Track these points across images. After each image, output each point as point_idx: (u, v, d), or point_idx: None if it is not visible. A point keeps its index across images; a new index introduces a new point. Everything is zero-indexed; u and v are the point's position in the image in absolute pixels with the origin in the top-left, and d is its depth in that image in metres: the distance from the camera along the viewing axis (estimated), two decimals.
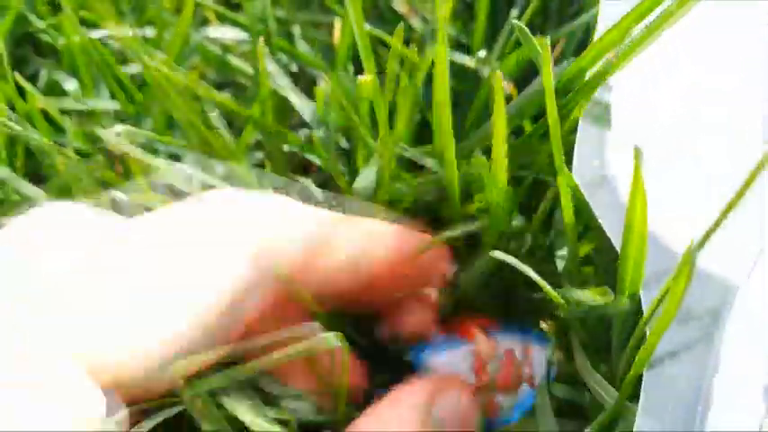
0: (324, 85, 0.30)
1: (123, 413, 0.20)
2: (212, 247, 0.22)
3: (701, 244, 0.18)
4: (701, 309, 0.20)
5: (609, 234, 0.22)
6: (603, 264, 0.25)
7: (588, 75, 0.24)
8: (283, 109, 0.35)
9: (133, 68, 0.39)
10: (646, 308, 0.21)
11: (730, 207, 0.17)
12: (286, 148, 0.32)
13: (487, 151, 0.28)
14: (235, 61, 0.36)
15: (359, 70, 0.29)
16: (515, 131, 0.30)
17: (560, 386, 0.25)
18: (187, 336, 0.20)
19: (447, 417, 0.24)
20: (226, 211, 0.23)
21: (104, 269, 0.20)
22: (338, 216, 0.25)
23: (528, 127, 0.29)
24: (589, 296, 0.20)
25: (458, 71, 0.33)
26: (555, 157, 0.22)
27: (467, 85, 0.34)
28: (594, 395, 0.21)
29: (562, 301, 0.22)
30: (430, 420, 0.23)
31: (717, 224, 0.18)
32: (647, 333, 0.19)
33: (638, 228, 0.19)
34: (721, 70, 0.24)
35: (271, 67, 0.31)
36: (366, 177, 0.28)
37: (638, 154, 0.18)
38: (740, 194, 0.17)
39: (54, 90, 0.37)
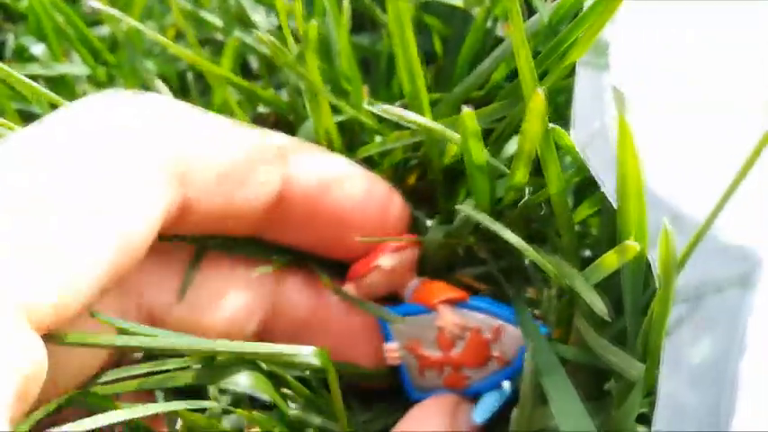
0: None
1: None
2: (122, 161, 0.19)
3: (719, 208, 0.15)
4: (725, 280, 0.17)
5: (608, 196, 0.19)
6: (607, 229, 0.23)
7: (585, 7, 0.21)
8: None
9: (104, 30, 0.36)
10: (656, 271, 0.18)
11: (746, 169, 0.15)
12: (261, 108, 0.29)
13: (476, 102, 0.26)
14: (208, 17, 0.33)
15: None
16: (511, 75, 0.27)
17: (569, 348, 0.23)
18: (115, 264, 0.19)
19: None
20: (133, 116, 0.21)
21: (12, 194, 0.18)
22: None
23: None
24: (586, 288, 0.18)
25: (445, 13, 0.30)
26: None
27: (454, 29, 0.31)
28: (610, 365, 0.19)
29: (555, 271, 0.20)
30: None
31: (734, 185, 0.15)
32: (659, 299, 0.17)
33: (632, 177, 0.17)
34: (729, 22, 0.21)
35: None
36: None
37: (619, 96, 0.15)
38: (756, 154, 0.14)
39: (22, 56, 0.35)
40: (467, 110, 0.19)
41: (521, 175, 0.21)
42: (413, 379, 0.25)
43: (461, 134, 0.20)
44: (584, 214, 0.23)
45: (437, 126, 0.23)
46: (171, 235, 0.23)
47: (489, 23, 0.29)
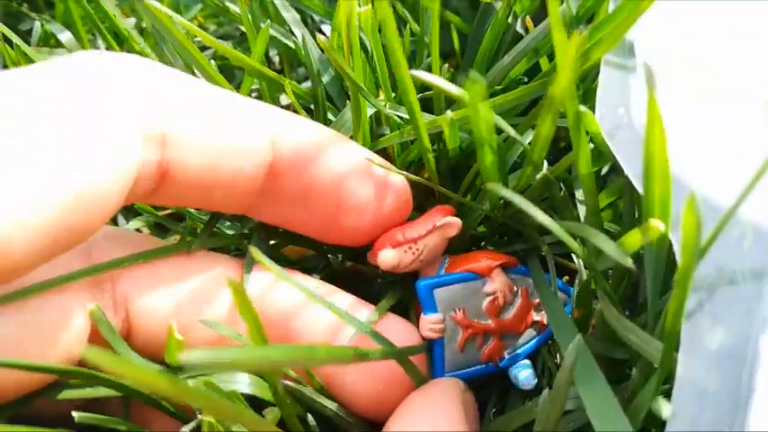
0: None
1: None
2: (96, 111, 0.18)
3: (743, 197, 0.15)
4: (746, 268, 0.18)
5: (633, 180, 0.19)
6: (629, 213, 0.23)
7: (612, 6, 0.21)
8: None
9: (130, 22, 0.37)
10: (678, 253, 0.18)
11: None
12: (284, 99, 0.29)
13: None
14: (233, 7, 0.34)
15: None
16: (531, 71, 0.27)
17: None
18: (73, 210, 0.17)
19: None
20: (108, 72, 0.20)
21: None
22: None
23: (545, 65, 0.27)
24: (612, 246, 0.18)
25: (464, 10, 0.31)
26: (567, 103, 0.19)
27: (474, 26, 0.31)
28: (633, 347, 0.19)
29: (580, 248, 0.20)
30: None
31: (760, 173, 0.15)
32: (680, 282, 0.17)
33: (658, 155, 0.17)
34: (748, 12, 0.21)
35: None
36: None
37: (648, 71, 0.15)
38: None
39: (48, 44, 0.35)
40: (475, 76, 0.19)
41: (543, 142, 0.21)
42: (449, 354, 0.23)
43: (470, 100, 0.20)
44: (602, 203, 0.24)
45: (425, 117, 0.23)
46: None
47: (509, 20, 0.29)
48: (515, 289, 0.24)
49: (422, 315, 0.23)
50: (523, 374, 0.23)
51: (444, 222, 0.24)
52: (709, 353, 0.18)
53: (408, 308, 0.25)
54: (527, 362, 0.24)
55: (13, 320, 0.19)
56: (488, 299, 0.24)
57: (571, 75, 0.17)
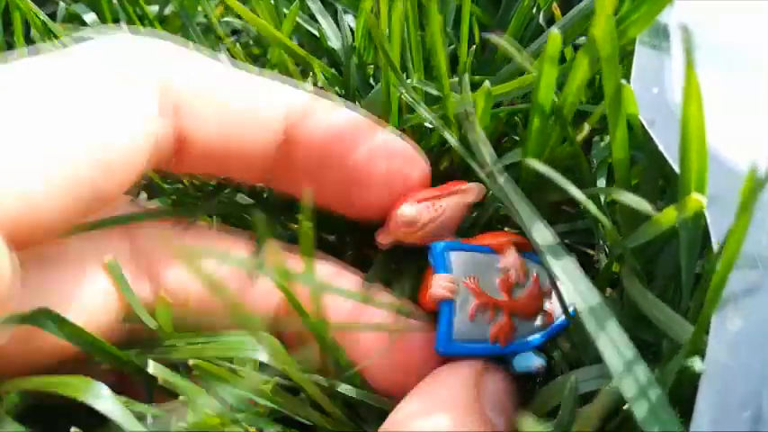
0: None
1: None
2: (114, 80, 0.19)
3: None
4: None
5: (671, 161, 0.19)
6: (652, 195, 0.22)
7: None
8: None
9: (153, 9, 0.36)
10: (713, 231, 0.18)
11: None
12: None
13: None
14: None
15: None
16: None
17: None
18: (92, 177, 0.18)
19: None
20: (128, 50, 0.20)
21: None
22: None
23: (568, 55, 0.26)
24: (646, 206, 0.17)
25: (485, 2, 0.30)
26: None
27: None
28: (663, 329, 0.18)
29: (609, 224, 0.19)
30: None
31: None
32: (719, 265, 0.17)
33: (695, 125, 0.16)
34: None
35: None
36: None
37: (687, 36, 0.15)
38: None
39: (72, 23, 0.34)
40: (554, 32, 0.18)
41: (577, 90, 0.20)
42: (457, 322, 0.22)
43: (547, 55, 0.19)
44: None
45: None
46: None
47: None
48: (528, 271, 0.23)
49: (434, 274, 0.22)
50: (535, 361, 0.22)
51: (466, 187, 0.23)
52: (737, 334, 0.18)
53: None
54: (533, 353, 0.22)
55: (56, 289, 0.19)
56: (501, 275, 0.22)
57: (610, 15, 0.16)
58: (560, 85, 0.21)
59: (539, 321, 0.23)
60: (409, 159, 0.23)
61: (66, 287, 0.19)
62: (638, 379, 0.15)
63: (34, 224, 0.17)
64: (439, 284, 0.22)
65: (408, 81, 0.25)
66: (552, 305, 0.23)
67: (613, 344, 0.16)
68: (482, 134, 0.21)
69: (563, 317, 0.22)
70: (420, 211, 0.22)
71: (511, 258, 0.23)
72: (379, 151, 0.23)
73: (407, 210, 0.22)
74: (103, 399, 0.16)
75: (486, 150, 0.21)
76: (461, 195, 0.23)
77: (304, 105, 0.22)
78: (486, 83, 0.21)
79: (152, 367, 0.17)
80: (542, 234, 0.18)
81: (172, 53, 0.21)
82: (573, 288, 0.17)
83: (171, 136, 0.20)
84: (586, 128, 0.21)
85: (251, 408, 0.20)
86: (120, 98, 0.19)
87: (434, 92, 0.25)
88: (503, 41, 0.19)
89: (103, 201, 0.19)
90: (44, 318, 0.17)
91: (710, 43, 0.21)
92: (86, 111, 0.18)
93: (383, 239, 0.24)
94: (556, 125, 0.21)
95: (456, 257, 0.22)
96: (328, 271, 0.23)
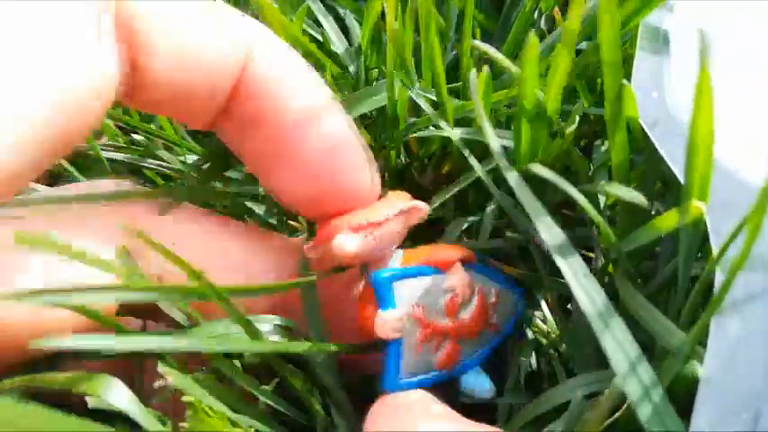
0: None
1: None
2: (67, 9, 0.17)
3: None
4: None
5: (671, 165, 0.19)
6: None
7: None
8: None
9: None
10: (713, 237, 0.18)
11: None
12: None
13: None
14: None
15: None
16: None
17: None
18: (43, 117, 0.16)
19: None
20: None
21: None
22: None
23: None
24: (640, 197, 0.17)
25: (488, 7, 0.31)
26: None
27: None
28: (654, 336, 0.18)
29: (604, 224, 0.19)
30: None
31: None
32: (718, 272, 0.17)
33: (703, 135, 0.16)
34: None
35: None
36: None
37: (703, 39, 0.15)
38: None
39: None
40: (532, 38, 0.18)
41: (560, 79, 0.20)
42: (405, 357, 0.21)
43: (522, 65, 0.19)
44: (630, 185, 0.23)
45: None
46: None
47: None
48: (473, 288, 0.22)
49: (378, 312, 0.20)
50: (480, 385, 0.21)
51: (411, 206, 0.21)
52: (734, 343, 0.18)
53: None
54: (479, 370, 0.22)
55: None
56: (447, 296, 0.21)
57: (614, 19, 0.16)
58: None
59: (486, 336, 0.22)
60: (353, 153, 0.21)
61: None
62: (643, 380, 0.16)
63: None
64: (386, 325, 0.20)
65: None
66: (496, 316, 0.22)
67: (618, 344, 0.16)
68: (489, 126, 0.21)
69: (508, 325, 0.22)
70: (359, 244, 0.20)
71: (457, 277, 0.21)
72: (323, 132, 0.20)
73: (348, 242, 0.20)
74: (120, 395, 0.16)
75: (495, 141, 0.21)
76: (405, 217, 0.21)
77: (266, 52, 0.20)
78: (485, 69, 0.21)
79: (161, 366, 0.17)
80: (550, 231, 0.18)
81: None
82: (579, 287, 0.17)
83: (126, 66, 0.18)
84: (576, 119, 0.21)
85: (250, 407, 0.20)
86: (74, 27, 0.17)
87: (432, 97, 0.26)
88: (487, 48, 0.19)
89: (69, 142, 0.17)
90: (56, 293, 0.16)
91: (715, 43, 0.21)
92: (35, 46, 0.16)
93: (312, 254, 0.21)
94: (543, 121, 0.21)
95: (400, 288, 0.20)
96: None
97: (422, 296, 0.21)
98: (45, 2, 0.17)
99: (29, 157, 0.16)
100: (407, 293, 0.20)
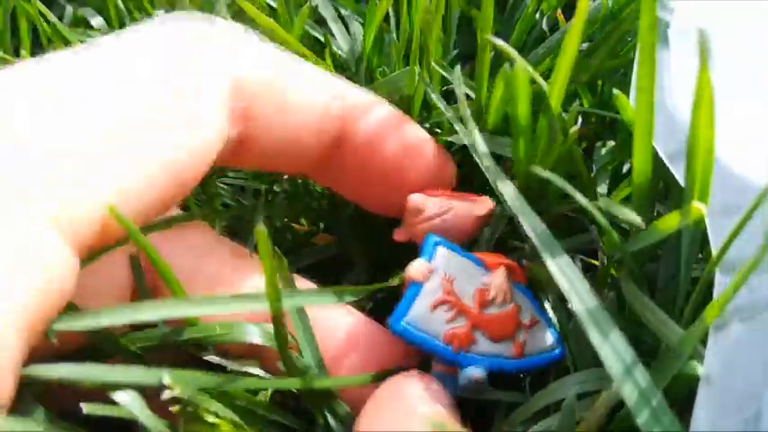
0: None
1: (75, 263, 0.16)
2: (183, 83, 0.18)
3: None
4: None
5: (671, 167, 0.19)
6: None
7: None
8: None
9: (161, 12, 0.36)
10: (713, 239, 0.18)
11: None
12: None
13: None
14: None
15: None
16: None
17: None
18: (159, 180, 0.17)
19: None
20: (196, 40, 0.19)
21: (65, 108, 0.16)
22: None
23: None
24: (637, 219, 0.17)
25: None
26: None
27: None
28: (658, 335, 0.18)
29: (608, 225, 0.19)
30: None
31: None
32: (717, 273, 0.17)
33: (704, 130, 0.16)
34: None
35: None
36: None
37: (703, 38, 0.15)
38: None
39: (79, 27, 0.34)
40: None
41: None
42: (417, 306, 0.21)
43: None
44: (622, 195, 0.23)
45: None
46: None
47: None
48: (510, 299, 0.22)
49: (414, 260, 0.22)
50: (475, 371, 0.21)
51: (478, 198, 0.23)
52: (732, 336, 0.18)
53: None
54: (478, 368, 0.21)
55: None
56: (480, 287, 0.22)
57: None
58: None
59: (505, 348, 0.22)
60: (443, 162, 0.24)
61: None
62: (639, 384, 0.15)
63: (106, 231, 0.16)
64: (414, 266, 0.22)
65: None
66: (523, 337, 0.22)
67: (614, 349, 0.16)
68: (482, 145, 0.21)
69: (541, 355, 0.22)
70: (427, 202, 0.23)
71: (498, 278, 0.22)
72: (422, 157, 0.23)
73: (416, 197, 0.23)
74: (125, 392, 0.16)
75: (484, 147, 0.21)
76: (472, 204, 0.23)
77: (359, 105, 0.22)
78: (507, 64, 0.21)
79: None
80: (539, 232, 0.18)
81: (239, 41, 0.20)
82: (573, 291, 0.17)
83: (236, 138, 0.20)
84: (576, 107, 0.21)
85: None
86: (193, 96, 0.18)
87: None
88: (501, 43, 0.19)
89: (168, 204, 0.18)
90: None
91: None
92: (159, 109, 0.17)
93: (398, 236, 0.24)
94: (544, 117, 0.21)
95: (443, 254, 0.22)
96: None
97: (457, 271, 0.22)
98: (174, 61, 0.18)
99: (135, 209, 0.17)
100: (445, 262, 0.22)
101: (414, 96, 0.25)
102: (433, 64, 0.25)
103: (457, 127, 0.24)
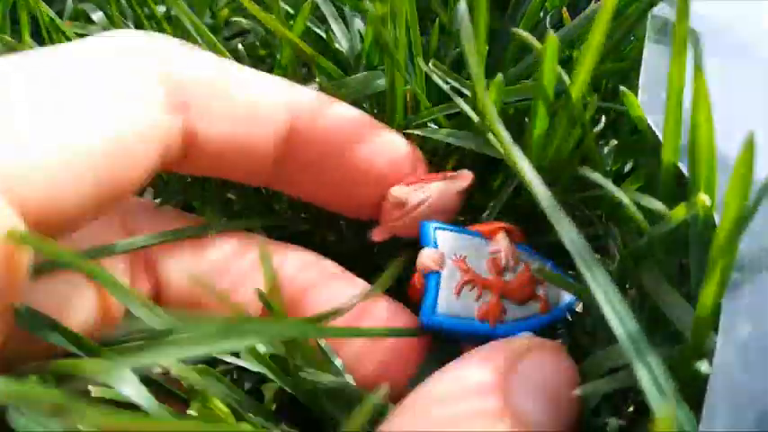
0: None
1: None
2: (122, 74, 0.19)
3: None
4: None
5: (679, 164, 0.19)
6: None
7: None
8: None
9: (161, 9, 0.36)
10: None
11: None
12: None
13: None
14: None
15: None
16: (563, 61, 0.27)
17: None
18: (106, 167, 0.18)
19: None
20: (131, 42, 0.20)
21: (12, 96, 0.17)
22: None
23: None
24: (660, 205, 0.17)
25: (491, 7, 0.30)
26: None
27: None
28: (673, 320, 0.18)
29: (638, 212, 0.19)
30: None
31: None
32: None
33: (704, 130, 0.16)
34: None
35: None
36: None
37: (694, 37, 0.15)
38: None
39: (79, 20, 0.34)
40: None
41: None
42: (443, 294, 0.21)
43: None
44: (635, 185, 0.23)
45: None
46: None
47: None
48: (519, 259, 0.22)
49: (421, 251, 0.22)
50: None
51: (455, 173, 0.23)
52: (744, 340, 0.18)
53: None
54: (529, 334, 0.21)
55: (49, 289, 0.19)
56: (490, 257, 0.22)
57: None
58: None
59: (532, 307, 0.22)
60: (408, 158, 0.24)
61: (59, 286, 0.19)
62: (657, 377, 0.15)
63: (60, 215, 0.17)
64: (426, 256, 0.21)
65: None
66: (546, 293, 0.22)
67: (632, 340, 0.16)
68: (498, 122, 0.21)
69: (562, 304, 0.22)
70: (408, 192, 0.23)
71: (502, 243, 0.22)
72: (378, 149, 0.23)
73: (396, 191, 0.22)
74: (128, 382, 0.15)
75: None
76: (451, 180, 0.23)
77: (306, 101, 0.22)
78: (499, 75, 0.21)
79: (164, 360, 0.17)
80: (564, 228, 0.18)
81: (173, 47, 0.21)
82: (595, 284, 0.16)
83: (180, 133, 0.20)
84: (595, 98, 0.21)
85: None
86: (129, 89, 0.19)
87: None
88: (522, 32, 0.19)
89: (118, 196, 0.18)
90: (42, 324, 0.17)
91: (727, 44, 0.21)
92: (98, 101, 0.18)
93: (377, 236, 0.24)
94: (563, 112, 0.21)
95: (445, 236, 0.22)
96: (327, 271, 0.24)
97: (464, 249, 0.22)
98: (110, 63, 0.19)
99: (85, 193, 0.17)
100: (449, 244, 0.22)
101: (396, 94, 0.25)
102: (430, 64, 0.25)
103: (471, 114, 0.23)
